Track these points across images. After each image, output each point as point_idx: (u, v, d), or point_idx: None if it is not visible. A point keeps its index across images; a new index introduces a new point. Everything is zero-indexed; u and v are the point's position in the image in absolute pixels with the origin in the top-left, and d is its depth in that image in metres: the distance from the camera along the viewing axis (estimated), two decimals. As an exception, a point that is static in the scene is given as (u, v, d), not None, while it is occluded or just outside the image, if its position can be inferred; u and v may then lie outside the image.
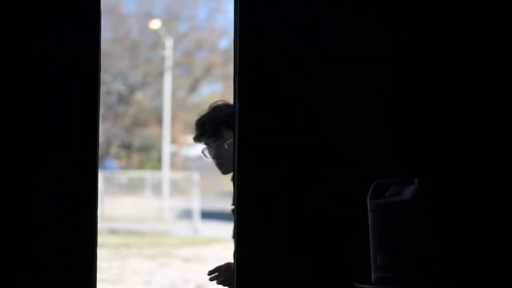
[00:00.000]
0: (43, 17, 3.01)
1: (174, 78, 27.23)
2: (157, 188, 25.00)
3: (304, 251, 3.05)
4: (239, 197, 3.05)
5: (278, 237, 3.05)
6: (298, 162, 3.08)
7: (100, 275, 3.14)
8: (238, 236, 3.04)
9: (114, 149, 28.83)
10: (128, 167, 29.01)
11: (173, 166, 27.96)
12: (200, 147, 3.60)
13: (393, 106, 3.13)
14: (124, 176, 26.06)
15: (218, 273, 3.37)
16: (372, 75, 3.11)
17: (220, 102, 3.60)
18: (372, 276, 2.85)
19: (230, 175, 3.38)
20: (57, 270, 2.97)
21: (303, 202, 3.06)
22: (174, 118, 27.10)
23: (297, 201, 3.06)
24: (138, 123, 28.25)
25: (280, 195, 3.06)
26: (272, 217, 3.05)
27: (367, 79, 3.11)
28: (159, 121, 26.62)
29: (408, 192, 2.83)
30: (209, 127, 3.51)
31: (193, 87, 29.96)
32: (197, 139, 3.59)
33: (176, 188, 25.01)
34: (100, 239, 3.35)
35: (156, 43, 26.99)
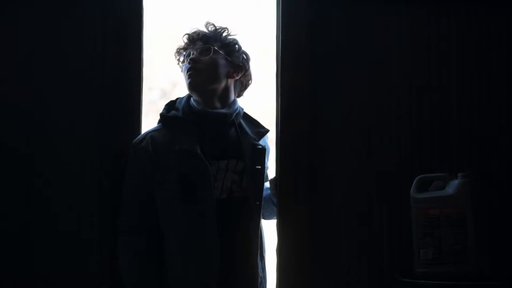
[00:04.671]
0: (86, 12, 3.04)
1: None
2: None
3: (346, 245, 3.05)
4: (280, 192, 3.05)
5: (319, 231, 3.04)
6: (338, 157, 3.07)
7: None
8: (280, 231, 3.05)
9: (157, 144, 28.93)
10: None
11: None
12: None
13: (436, 101, 3.12)
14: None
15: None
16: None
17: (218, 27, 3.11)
18: (415, 270, 2.83)
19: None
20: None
21: (343, 196, 3.06)
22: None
23: (340, 196, 3.06)
24: (180, 118, 28.32)
25: (320, 189, 3.06)
26: (312, 211, 3.04)
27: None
28: (201, 116, 26.60)
29: (451, 187, 2.81)
30: (211, 37, 3.06)
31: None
32: (190, 43, 3.06)
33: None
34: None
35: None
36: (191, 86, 3.00)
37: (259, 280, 2.96)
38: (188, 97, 3.06)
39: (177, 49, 3.11)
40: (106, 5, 3.04)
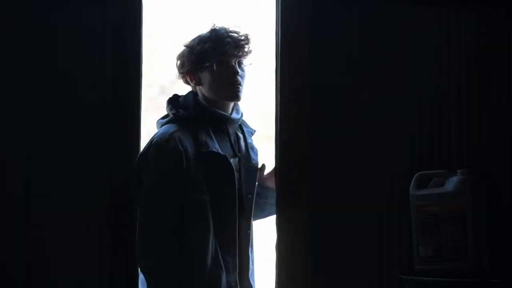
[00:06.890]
0: (86, 8, 3.04)
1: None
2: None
3: (345, 242, 3.05)
4: (280, 191, 3.05)
5: (321, 230, 3.04)
6: (339, 154, 3.07)
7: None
8: (280, 228, 3.04)
9: (156, 141, 28.93)
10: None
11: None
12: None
13: (436, 98, 3.12)
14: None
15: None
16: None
17: None
18: (415, 267, 2.83)
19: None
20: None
21: (345, 194, 3.06)
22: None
23: (339, 193, 3.06)
24: (179, 115, 28.31)
25: (321, 188, 3.06)
26: (314, 210, 3.04)
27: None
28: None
29: (451, 184, 2.81)
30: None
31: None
32: (239, 51, 3.01)
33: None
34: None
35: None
36: (238, 97, 3.00)
37: (249, 272, 2.99)
38: (194, 95, 3.05)
39: (208, 45, 2.99)
40: (105, 1, 3.04)
